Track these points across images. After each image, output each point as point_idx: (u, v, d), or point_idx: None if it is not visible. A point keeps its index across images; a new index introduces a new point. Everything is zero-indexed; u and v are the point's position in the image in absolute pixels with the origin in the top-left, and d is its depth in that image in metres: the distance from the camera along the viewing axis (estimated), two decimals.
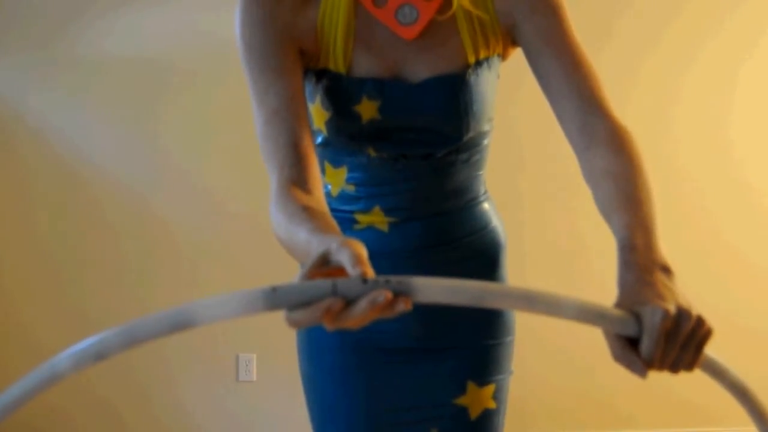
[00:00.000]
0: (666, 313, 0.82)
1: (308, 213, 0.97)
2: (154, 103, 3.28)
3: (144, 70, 3.27)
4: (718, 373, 0.87)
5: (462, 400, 1.32)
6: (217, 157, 3.29)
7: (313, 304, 0.72)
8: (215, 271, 3.27)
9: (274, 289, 0.71)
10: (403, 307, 0.73)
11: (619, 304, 0.87)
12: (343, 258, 0.78)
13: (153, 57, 3.27)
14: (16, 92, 3.25)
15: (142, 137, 3.29)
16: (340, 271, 0.79)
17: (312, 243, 0.88)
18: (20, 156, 3.27)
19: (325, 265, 0.80)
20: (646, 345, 0.82)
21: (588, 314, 0.78)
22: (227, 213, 3.29)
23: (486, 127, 1.30)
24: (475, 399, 1.32)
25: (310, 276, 0.78)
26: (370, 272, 0.76)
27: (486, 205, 1.36)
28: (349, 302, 0.72)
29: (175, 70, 3.27)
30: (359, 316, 0.72)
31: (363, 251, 0.80)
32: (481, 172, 1.34)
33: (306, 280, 0.77)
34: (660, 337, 0.81)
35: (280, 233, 1.01)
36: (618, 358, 0.85)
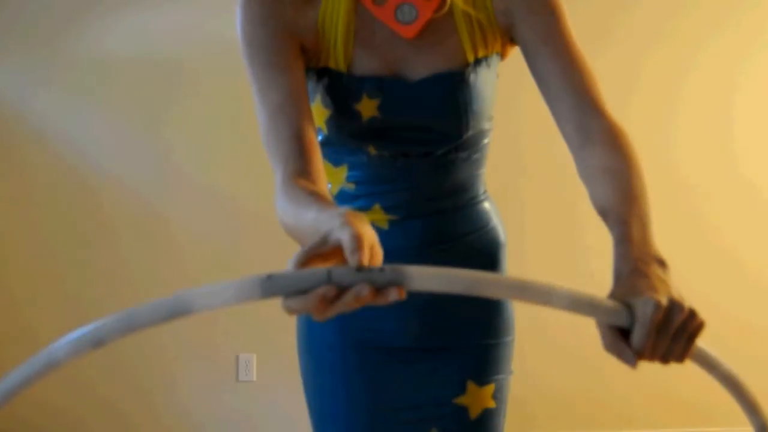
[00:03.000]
0: (658, 304, 0.83)
1: (315, 197, 0.98)
2: (158, 104, 3.28)
3: (147, 71, 3.27)
4: (709, 364, 0.87)
5: (462, 400, 1.32)
6: (222, 157, 3.29)
7: (308, 292, 0.72)
8: (219, 271, 3.26)
9: (269, 277, 0.71)
10: (396, 296, 0.74)
11: (612, 295, 0.88)
12: (343, 238, 0.77)
13: (156, 57, 3.27)
14: (19, 93, 3.26)
15: (146, 138, 3.30)
16: (337, 251, 0.79)
17: (320, 220, 0.88)
18: (23, 157, 3.27)
19: (324, 245, 0.79)
20: (637, 336, 0.83)
21: (580, 304, 0.79)
22: (232, 213, 3.29)
23: (486, 126, 1.30)
24: (475, 398, 1.32)
25: (306, 256, 0.78)
26: (366, 258, 0.76)
27: (486, 204, 1.36)
28: (343, 290, 0.73)
29: (180, 71, 3.27)
30: (346, 306, 0.73)
31: (364, 231, 0.79)
32: (480, 171, 1.34)
33: (302, 260, 0.77)
34: (651, 328, 0.82)
35: (287, 220, 1.01)
36: (609, 347, 0.86)
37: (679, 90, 3.42)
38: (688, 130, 3.43)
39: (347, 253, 0.76)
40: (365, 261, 0.75)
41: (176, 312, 0.69)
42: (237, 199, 3.27)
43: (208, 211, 3.29)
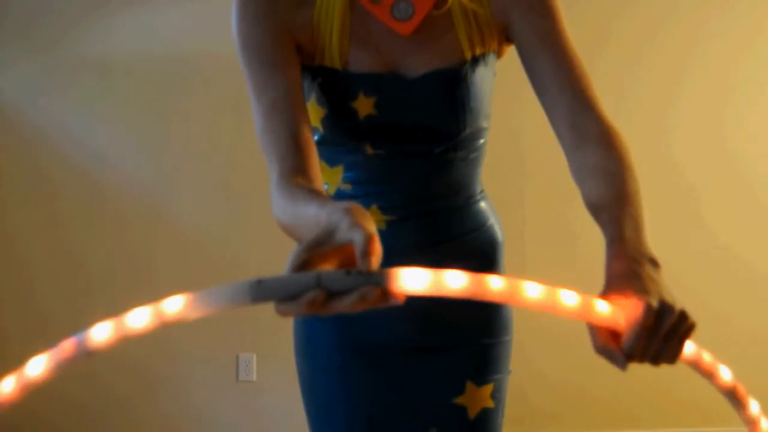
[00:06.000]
0: (649, 306, 0.82)
1: (314, 194, 0.97)
2: (166, 103, 3.28)
3: (155, 70, 3.27)
4: (700, 366, 0.86)
5: (461, 400, 1.31)
6: (229, 155, 3.28)
7: (298, 296, 0.71)
8: (226, 267, 3.26)
9: (259, 282, 0.71)
10: (396, 300, 0.73)
11: (604, 295, 0.87)
12: (356, 239, 0.76)
13: (163, 56, 3.27)
14: (26, 94, 3.25)
15: (155, 137, 3.30)
16: (340, 249, 0.77)
17: (321, 215, 0.86)
18: (31, 157, 3.27)
19: (329, 242, 0.78)
20: (627, 338, 0.82)
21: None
22: (240, 212, 3.28)
23: (483, 124, 1.30)
24: (474, 398, 1.32)
25: (306, 252, 0.77)
26: (377, 262, 0.74)
27: (483, 204, 1.35)
28: (332, 294, 0.72)
29: (187, 69, 3.27)
30: (347, 307, 0.72)
31: (375, 233, 0.77)
32: (478, 171, 1.34)
33: (302, 257, 0.76)
34: (642, 330, 0.82)
35: (285, 218, 1.00)
36: (599, 350, 0.85)
37: (677, 89, 3.42)
38: (687, 130, 3.42)
39: (359, 255, 0.74)
40: (376, 266, 0.73)
41: (166, 319, 0.69)
42: (249, 199, 3.26)
43: (216, 209, 3.29)
